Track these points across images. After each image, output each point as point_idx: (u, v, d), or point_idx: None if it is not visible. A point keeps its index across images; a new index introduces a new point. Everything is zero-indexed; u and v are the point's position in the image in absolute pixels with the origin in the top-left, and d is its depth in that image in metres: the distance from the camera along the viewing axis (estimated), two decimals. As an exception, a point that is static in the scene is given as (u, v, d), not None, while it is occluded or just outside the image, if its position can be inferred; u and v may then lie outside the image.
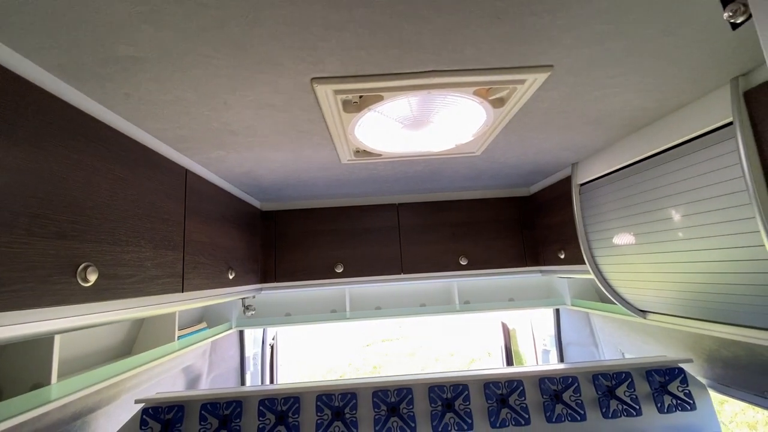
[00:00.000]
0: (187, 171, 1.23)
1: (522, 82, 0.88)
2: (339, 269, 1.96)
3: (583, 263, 1.59)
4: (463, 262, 2.00)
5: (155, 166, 1.06)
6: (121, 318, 0.88)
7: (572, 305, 2.20)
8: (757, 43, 0.77)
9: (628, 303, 1.48)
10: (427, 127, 1.14)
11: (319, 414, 1.46)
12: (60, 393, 0.95)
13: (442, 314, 2.32)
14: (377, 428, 1.45)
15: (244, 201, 1.77)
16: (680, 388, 1.50)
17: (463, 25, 0.68)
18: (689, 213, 1.09)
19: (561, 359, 2.50)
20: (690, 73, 0.89)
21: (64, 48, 0.67)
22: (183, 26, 0.64)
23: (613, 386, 1.51)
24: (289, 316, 2.28)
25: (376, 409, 1.48)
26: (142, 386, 1.56)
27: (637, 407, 1.48)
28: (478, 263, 2.02)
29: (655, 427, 1.45)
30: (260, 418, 1.45)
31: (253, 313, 2.13)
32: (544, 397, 1.50)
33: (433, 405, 1.49)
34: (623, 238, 1.36)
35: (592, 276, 1.55)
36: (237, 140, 1.14)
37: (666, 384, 1.51)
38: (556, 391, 1.51)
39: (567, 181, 1.69)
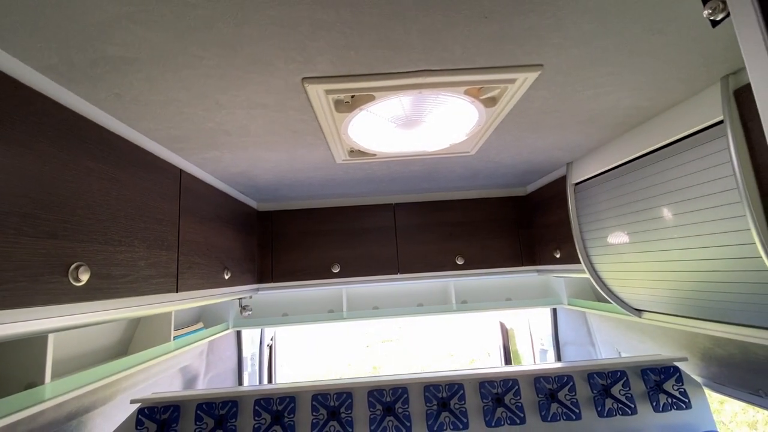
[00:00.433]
0: (181, 171, 1.24)
1: (512, 81, 0.89)
2: (336, 269, 1.97)
3: (579, 262, 1.59)
4: (460, 262, 2.00)
5: (149, 166, 1.07)
6: (114, 318, 0.89)
7: (569, 305, 2.20)
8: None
9: (624, 302, 1.48)
10: (420, 126, 1.14)
11: (314, 414, 1.47)
12: (54, 392, 0.96)
13: (439, 314, 2.32)
14: (372, 428, 1.45)
15: (240, 201, 1.77)
16: (675, 387, 1.50)
17: (451, 24, 0.69)
18: (681, 211, 1.09)
19: (558, 359, 2.50)
20: (680, 72, 0.90)
21: (54, 49, 0.68)
22: (172, 26, 0.65)
23: (608, 385, 1.51)
24: (286, 316, 2.28)
25: (371, 409, 1.49)
26: (139, 386, 1.56)
27: (633, 406, 1.48)
28: (474, 263, 2.02)
29: (650, 426, 1.45)
30: (256, 418, 1.45)
31: (250, 313, 2.13)
32: (540, 396, 1.51)
33: (428, 404, 1.50)
34: (617, 237, 1.37)
35: (587, 275, 1.56)
36: (231, 140, 1.15)
37: (661, 383, 1.51)
38: (552, 390, 1.52)
39: (562, 181, 1.69)
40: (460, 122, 1.13)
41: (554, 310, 2.53)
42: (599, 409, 1.48)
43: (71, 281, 0.75)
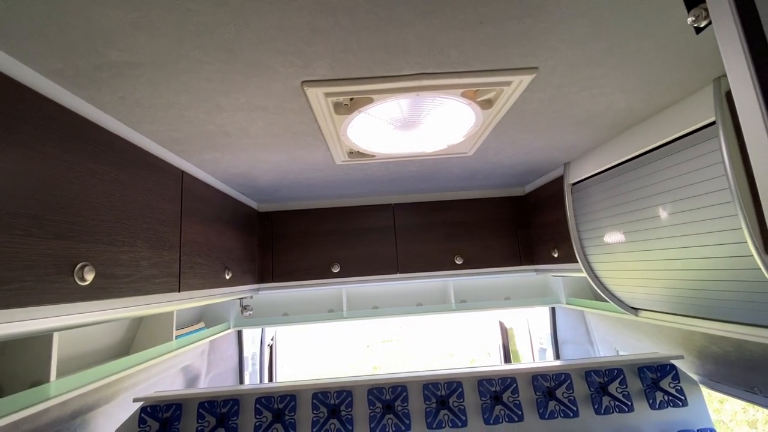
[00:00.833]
0: (183, 173, 1.25)
1: (508, 83, 0.90)
2: (336, 269, 1.98)
3: (576, 261, 1.60)
4: (459, 262, 2.02)
5: (151, 167, 1.08)
6: (118, 317, 0.91)
7: (567, 304, 2.21)
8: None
9: (620, 301, 1.50)
10: (418, 128, 1.16)
11: (315, 411, 1.48)
12: (58, 390, 0.97)
13: (438, 313, 2.34)
14: (372, 425, 1.47)
15: (240, 202, 1.79)
16: (672, 385, 1.52)
17: (447, 29, 0.70)
18: (676, 211, 1.10)
19: (557, 358, 2.51)
20: (673, 74, 0.91)
21: (60, 54, 0.69)
22: (174, 32, 0.66)
23: (605, 383, 1.53)
24: (286, 316, 2.30)
25: (371, 407, 1.50)
26: (141, 385, 1.58)
27: (629, 403, 1.49)
28: (473, 262, 2.04)
29: (647, 423, 1.47)
30: (257, 416, 1.47)
31: (251, 313, 2.15)
32: (537, 393, 1.52)
33: (427, 402, 1.51)
34: (614, 237, 1.38)
35: (584, 274, 1.57)
36: (231, 142, 1.17)
37: (658, 380, 1.53)
38: (549, 387, 1.53)
39: (560, 181, 1.71)
40: (458, 124, 1.15)
41: (553, 310, 2.54)
42: (596, 406, 1.49)
43: (77, 281, 0.77)
